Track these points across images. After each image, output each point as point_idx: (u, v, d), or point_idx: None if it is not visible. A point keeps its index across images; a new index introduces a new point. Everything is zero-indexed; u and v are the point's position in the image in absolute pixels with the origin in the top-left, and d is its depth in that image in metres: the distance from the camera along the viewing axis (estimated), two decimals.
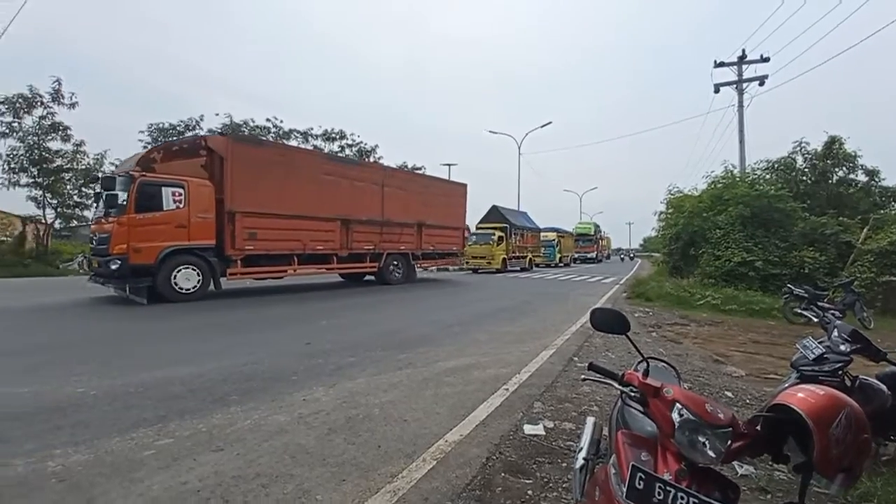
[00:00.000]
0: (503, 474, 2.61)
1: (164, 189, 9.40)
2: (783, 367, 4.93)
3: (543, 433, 3.23)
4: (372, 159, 37.13)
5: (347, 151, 35.74)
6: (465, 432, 3.13)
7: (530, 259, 26.96)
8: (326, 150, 34.78)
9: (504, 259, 23.53)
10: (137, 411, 3.35)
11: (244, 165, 10.33)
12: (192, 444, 2.85)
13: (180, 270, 9.54)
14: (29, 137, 17.93)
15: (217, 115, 31.42)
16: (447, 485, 2.46)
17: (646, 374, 1.48)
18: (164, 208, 9.36)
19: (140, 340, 5.92)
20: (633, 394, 1.39)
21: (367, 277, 15.06)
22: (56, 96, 18.08)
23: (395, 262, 14.57)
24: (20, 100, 17.58)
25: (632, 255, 60.98)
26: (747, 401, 4.11)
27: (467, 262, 22.36)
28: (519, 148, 33.18)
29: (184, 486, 2.36)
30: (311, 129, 34.06)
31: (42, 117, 18.07)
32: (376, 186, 13.52)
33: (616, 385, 1.47)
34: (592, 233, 43.96)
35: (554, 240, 32.28)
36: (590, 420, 2.06)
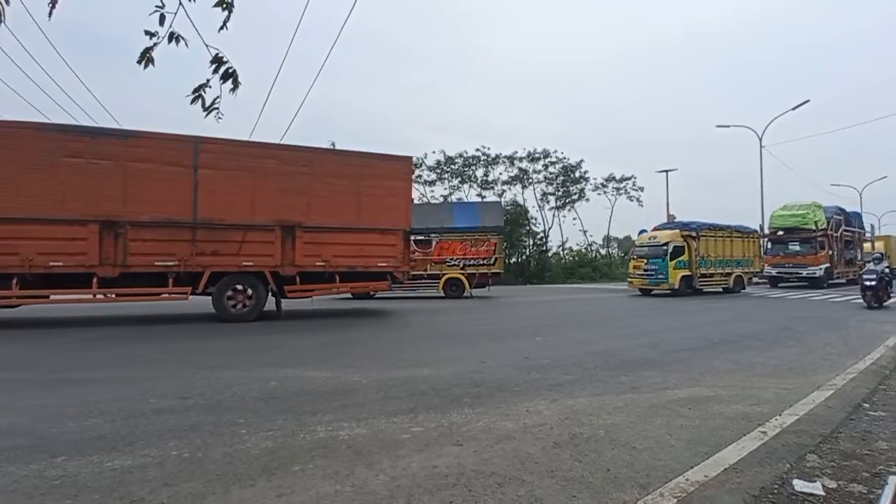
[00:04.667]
0: None
1: None
2: None
3: (822, 493, 2.56)
4: (577, 175, 36.62)
5: (551, 169, 36.12)
6: (710, 473, 2.73)
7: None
8: (532, 172, 35.88)
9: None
10: (395, 402, 4.07)
11: None
12: (437, 435, 3.30)
13: None
14: None
15: (433, 152, 35.94)
16: None
17: None
18: None
19: (387, 344, 7.21)
20: None
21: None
22: None
23: (237, 287, 9.66)
24: None
25: None
26: None
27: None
28: (760, 140, 27.55)
29: (434, 469, 2.75)
30: (516, 152, 35.62)
31: None
32: (181, 168, 9.15)
33: None
34: (811, 225, 21.77)
35: (665, 243, 17.23)
36: (892, 479, 1.58)
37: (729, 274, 18.91)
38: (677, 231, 17.99)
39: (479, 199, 26.70)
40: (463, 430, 3.38)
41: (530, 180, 36.32)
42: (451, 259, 16.69)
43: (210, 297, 9.68)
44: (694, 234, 17.88)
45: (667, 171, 32.73)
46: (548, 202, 37.24)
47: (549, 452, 3.02)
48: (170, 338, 7.87)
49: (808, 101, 25.75)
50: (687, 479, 2.66)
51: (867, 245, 29.32)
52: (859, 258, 25.77)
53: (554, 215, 37.50)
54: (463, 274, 16.64)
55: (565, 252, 38.24)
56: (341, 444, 3.14)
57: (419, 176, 35.36)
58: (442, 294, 16.61)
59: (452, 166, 35.33)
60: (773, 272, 22.56)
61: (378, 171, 10.78)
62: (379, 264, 10.68)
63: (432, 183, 35.78)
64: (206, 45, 2.44)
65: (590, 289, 23.76)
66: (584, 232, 39.00)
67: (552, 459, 2.91)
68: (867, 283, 12.30)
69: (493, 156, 35.25)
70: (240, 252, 9.53)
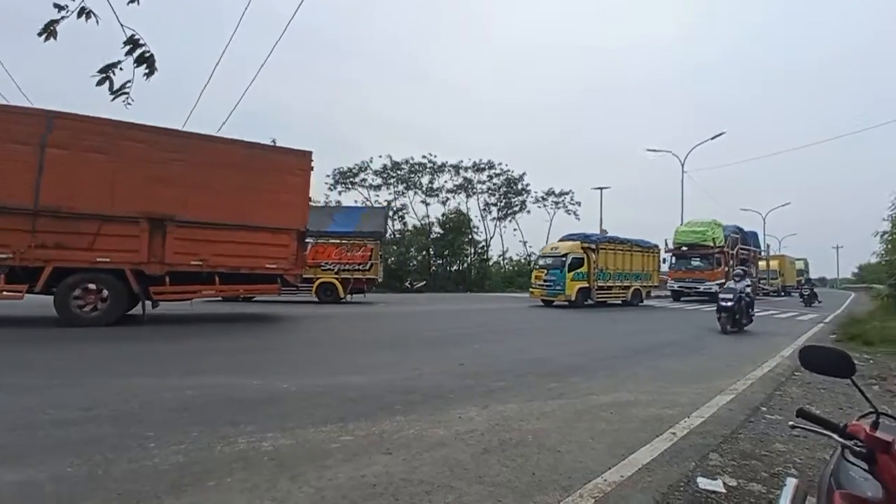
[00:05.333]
0: None
1: None
2: None
3: (723, 491, 2.80)
4: (520, 187, 37.84)
5: (495, 181, 37.05)
6: (625, 474, 2.90)
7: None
8: (476, 182, 36.59)
9: None
10: (324, 410, 3.93)
11: None
12: (367, 443, 3.23)
13: None
14: None
15: (380, 156, 35.65)
16: None
17: (874, 426, 1.23)
18: None
19: (314, 350, 6.98)
20: (857, 448, 1.18)
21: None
22: None
23: (88, 287, 8.40)
24: None
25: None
26: None
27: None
28: (682, 165, 29.99)
29: (362, 479, 2.68)
30: (462, 161, 36.17)
31: None
32: (24, 147, 7.92)
33: (836, 437, 1.26)
34: (710, 242, 22.77)
35: (564, 254, 17.51)
36: (791, 481, 1.74)
37: (628, 287, 19.20)
38: (578, 243, 18.05)
39: (378, 206, 27.18)
40: (394, 438, 3.34)
41: (474, 190, 37.04)
42: (326, 263, 16.22)
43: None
44: (594, 246, 18.02)
45: (601, 189, 34.83)
46: (490, 212, 38.14)
47: (479, 458, 3.05)
48: (75, 340, 7.08)
49: (724, 132, 28.43)
50: (605, 480, 2.80)
51: (762, 263, 32.56)
52: (754, 275, 26.93)
53: (496, 225, 38.46)
54: (337, 278, 16.28)
55: (505, 262, 39.28)
56: (263, 455, 2.98)
57: (364, 180, 34.93)
58: (315, 299, 16.14)
59: (399, 172, 35.22)
60: (676, 286, 23.20)
61: (273, 164, 9.87)
62: (267, 266, 9.69)
63: (377, 188, 35.46)
64: (122, 25, 2.25)
65: (525, 298, 24.50)
66: (524, 243, 40.31)
67: (481, 465, 2.95)
68: (723, 303, 10.47)
69: (438, 164, 35.59)
70: (93, 246, 8.33)
